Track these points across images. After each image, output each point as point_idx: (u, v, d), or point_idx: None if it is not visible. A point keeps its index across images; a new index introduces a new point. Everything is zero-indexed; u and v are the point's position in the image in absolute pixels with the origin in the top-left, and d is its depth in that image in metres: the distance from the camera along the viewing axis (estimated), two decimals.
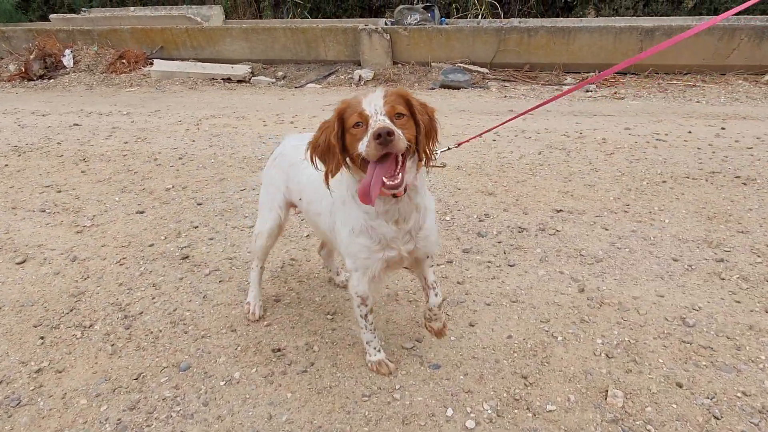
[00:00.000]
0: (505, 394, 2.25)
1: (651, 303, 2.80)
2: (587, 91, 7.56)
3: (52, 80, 9.80)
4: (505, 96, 7.61)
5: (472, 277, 3.10)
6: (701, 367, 2.35)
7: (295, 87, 8.81)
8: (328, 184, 1.93)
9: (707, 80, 7.63)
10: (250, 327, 2.75)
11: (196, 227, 3.85)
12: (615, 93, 7.37)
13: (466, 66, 8.65)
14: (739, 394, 2.20)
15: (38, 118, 7.16)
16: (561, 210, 3.87)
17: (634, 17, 9.84)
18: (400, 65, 9.08)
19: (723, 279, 2.97)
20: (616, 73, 8.09)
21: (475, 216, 3.84)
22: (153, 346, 2.64)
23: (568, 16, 10.55)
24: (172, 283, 3.17)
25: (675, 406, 2.16)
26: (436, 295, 2.30)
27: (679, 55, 7.80)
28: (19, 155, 5.61)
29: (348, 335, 2.66)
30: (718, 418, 2.08)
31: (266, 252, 2.75)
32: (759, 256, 3.17)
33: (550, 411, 2.16)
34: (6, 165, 5.32)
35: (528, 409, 2.18)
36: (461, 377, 2.36)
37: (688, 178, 4.32)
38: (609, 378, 2.31)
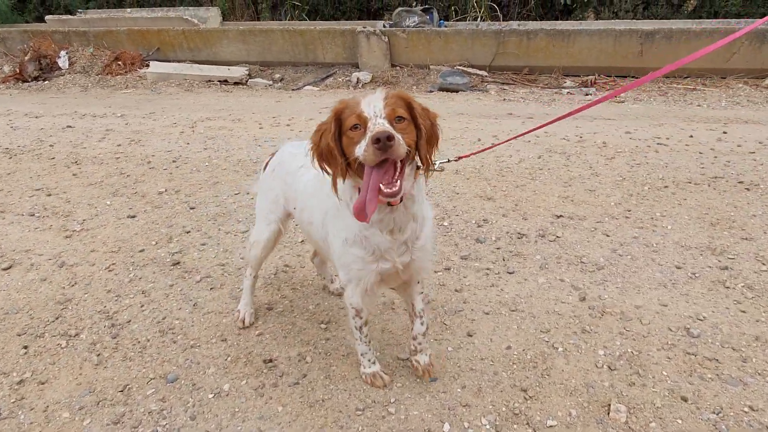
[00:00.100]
0: (504, 408, 2.17)
1: (654, 312, 2.72)
2: (587, 95, 7.50)
3: (47, 82, 9.72)
4: (504, 99, 7.54)
5: (471, 285, 3.02)
6: (706, 380, 2.27)
7: (293, 89, 8.73)
8: (336, 190, 1.84)
9: (708, 84, 7.58)
10: (241, 336, 2.66)
11: (188, 232, 3.76)
12: (614, 96, 7.30)
13: (465, 69, 8.59)
14: (746, 409, 2.12)
15: (31, 120, 7.07)
16: (561, 215, 3.79)
17: (634, 20, 9.79)
18: (398, 68, 9.02)
19: (727, 287, 2.90)
20: (616, 76, 8.04)
21: (474, 221, 3.76)
22: (140, 356, 2.55)
23: (567, 19, 10.50)
24: (162, 290, 3.09)
25: (680, 421, 2.07)
26: (422, 323, 2.27)
27: (679, 58, 7.72)
28: (10, 158, 5.52)
29: (342, 345, 2.58)
30: None
31: (260, 262, 2.68)
32: (764, 264, 3.09)
33: (551, 427, 2.07)
34: None
35: (528, 424, 2.09)
36: (459, 390, 2.27)
37: (690, 183, 4.24)
38: (612, 391, 2.23)
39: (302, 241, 3.56)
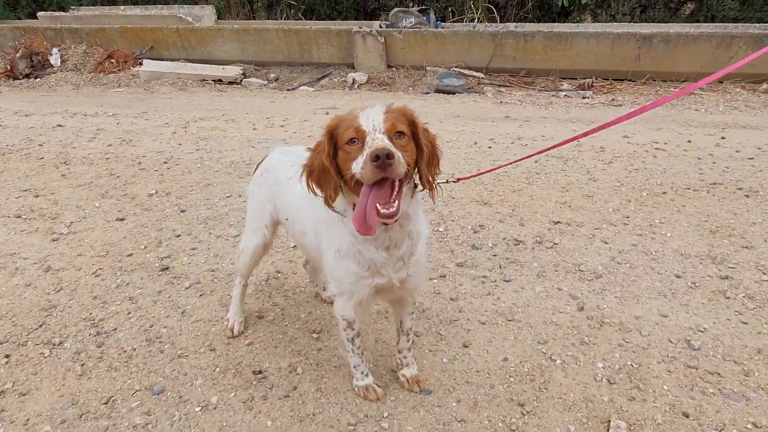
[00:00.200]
0: (500, 424, 2.10)
1: (654, 323, 2.66)
2: (584, 98, 7.45)
3: (38, 79, 9.58)
4: (501, 102, 7.48)
5: (466, 293, 2.95)
6: (708, 394, 2.22)
7: (288, 89, 8.64)
8: (331, 207, 1.75)
9: (705, 88, 7.54)
10: (230, 346, 2.59)
11: (178, 236, 3.68)
12: (612, 100, 7.26)
13: (462, 70, 8.52)
14: (749, 426, 2.06)
15: (21, 119, 6.95)
16: (558, 222, 3.73)
17: (631, 23, 9.76)
18: (394, 69, 8.95)
19: (728, 298, 2.84)
20: (614, 80, 7.99)
21: (470, 227, 3.69)
22: (126, 366, 2.47)
23: (564, 22, 10.46)
24: (150, 296, 3.00)
25: None
26: (408, 340, 2.28)
27: (676, 62, 7.71)
28: None
29: (334, 356, 2.50)
30: None
31: (250, 270, 2.60)
32: (765, 274, 3.04)
33: None
34: None
35: None
36: (454, 404, 2.21)
37: (689, 189, 4.19)
38: (611, 406, 2.17)
39: (295, 246, 3.48)
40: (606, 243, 3.44)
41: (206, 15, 10.92)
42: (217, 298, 2.97)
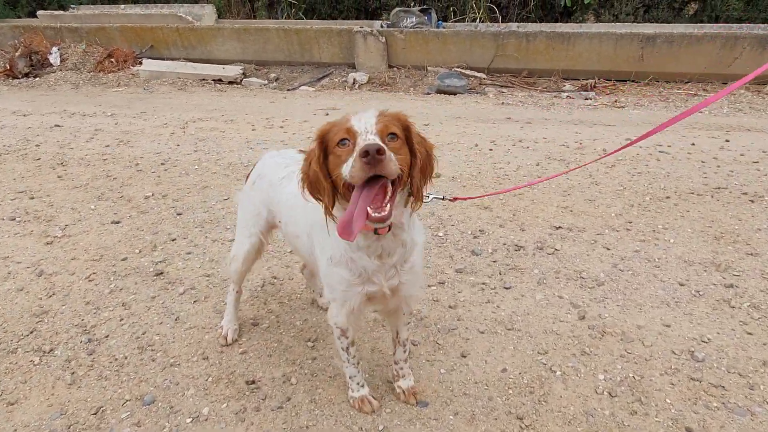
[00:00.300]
0: None
1: (657, 333, 2.60)
2: (586, 99, 7.38)
3: (37, 78, 9.54)
4: (503, 103, 7.42)
5: (465, 301, 2.90)
6: (712, 409, 2.16)
7: (288, 89, 8.59)
8: (332, 217, 1.68)
9: (709, 89, 7.47)
10: (223, 354, 2.53)
11: (173, 240, 3.63)
12: (615, 101, 7.19)
13: (463, 71, 8.46)
14: None
15: (19, 119, 6.91)
16: (560, 227, 3.67)
17: (635, 23, 9.68)
18: (395, 69, 8.89)
19: (733, 307, 2.78)
20: (617, 80, 7.92)
21: (470, 232, 3.63)
22: (116, 375, 2.42)
23: (567, 22, 10.38)
24: (144, 302, 2.95)
25: None
26: (404, 351, 2.23)
27: (680, 63, 7.64)
28: None
29: (329, 366, 2.45)
30: None
31: (242, 276, 2.55)
32: None
33: None
34: None
35: None
36: (451, 417, 2.15)
37: (692, 193, 4.13)
38: (612, 421, 2.11)
39: (291, 251, 3.43)
40: (608, 249, 3.38)
41: (206, 14, 10.88)
42: (211, 305, 2.92)
